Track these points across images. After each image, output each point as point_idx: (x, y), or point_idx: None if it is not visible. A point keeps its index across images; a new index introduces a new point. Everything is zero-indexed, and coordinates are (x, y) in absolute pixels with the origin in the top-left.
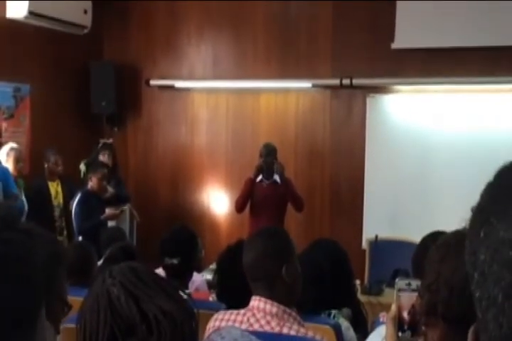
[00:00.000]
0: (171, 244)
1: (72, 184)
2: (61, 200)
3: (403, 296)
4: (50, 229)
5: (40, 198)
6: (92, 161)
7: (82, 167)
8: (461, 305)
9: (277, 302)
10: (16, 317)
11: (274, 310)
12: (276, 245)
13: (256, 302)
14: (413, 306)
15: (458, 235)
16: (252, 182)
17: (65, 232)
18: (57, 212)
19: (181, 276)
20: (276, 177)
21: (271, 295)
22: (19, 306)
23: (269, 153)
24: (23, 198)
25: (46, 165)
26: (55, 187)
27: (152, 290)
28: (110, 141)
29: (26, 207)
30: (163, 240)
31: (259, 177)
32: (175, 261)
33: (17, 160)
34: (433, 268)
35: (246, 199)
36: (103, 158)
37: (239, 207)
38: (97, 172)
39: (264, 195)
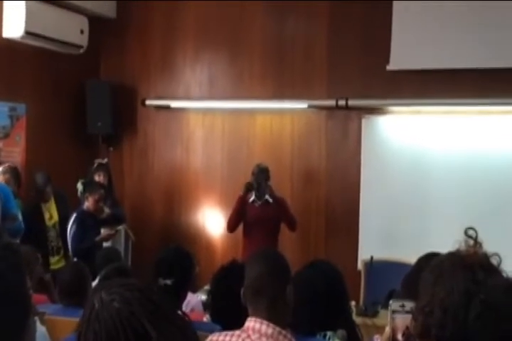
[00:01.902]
0: (165, 265)
1: (68, 202)
2: (56, 220)
3: (397, 318)
4: (43, 250)
5: (32, 219)
6: (89, 181)
7: (80, 186)
8: (455, 327)
9: (274, 322)
10: (3, 329)
11: (270, 331)
12: (281, 265)
13: (251, 323)
14: (407, 328)
15: (452, 257)
16: (242, 199)
17: (61, 252)
18: (52, 233)
19: (175, 297)
20: (268, 197)
21: (269, 313)
22: (5, 318)
23: (260, 171)
24: (21, 218)
25: (35, 190)
26: (48, 208)
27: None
28: (105, 160)
29: (23, 228)
30: (157, 260)
31: (252, 198)
32: (168, 282)
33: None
34: (427, 290)
35: (237, 218)
36: (98, 178)
37: (230, 226)
38: (94, 192)
39: (256, 215)
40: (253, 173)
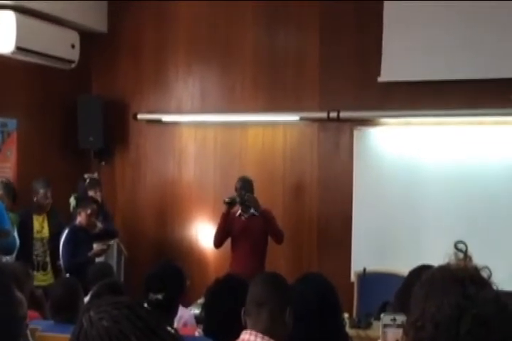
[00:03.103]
0: (156, 280)
1: (60, 217)
2: (46, 234)
3: (388, 332)
4: (29, 264)
5: (21, 232)
6: (82, 196)
7: (72, 201)
8: None
9: (270, 336)
10: None
11: None
12: (283, 286)
13: (247, 335)
14: None
15: (442, 271)
16: (225, 216)
17: (49, 267)
18: (40, 247)
19: (166, 311)
20: (254, 211)
21: (268, 326)
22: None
23: (243, 186)
24: (15, 234)
25: (35, 199)
26: (40, 222)
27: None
28: (95, 175)
29: (18, 243)
30: (147, 276)
31: (239, 211)
32: (159, 297)
33: None
34: (418, 304)
35: (222, 234)
36: (94, 194)
37: (216, 242)
38: (87, 207)
39: (242, 228)
40: (236, 188)
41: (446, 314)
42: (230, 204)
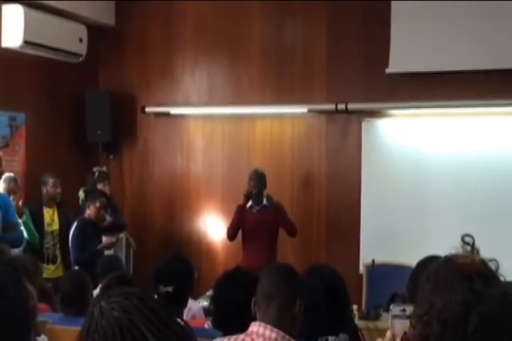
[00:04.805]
0: (165, 273)
1: (69, 211)
2: (57, 227)
3: (397, 323)
4: (38, 256)
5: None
6: (90, 189)
7: (81, 194)
8: (454, 339)
9: (278, 327)
10: None
11: (274, 335)
12: (293, 277)
13: (256, 327)
14: (405, 333)
15: (448, 264)
16: (241, 208)
17: (58, 260)
18: (50, 239)
19: (176, 304)
20: (266, 202)
21: (277, 318)
22: (5, 335)
23: (257, 177)
24: (23, 227)
25: (45, 190)
26: (50, 214)
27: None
28: (104, 168)
29: (26, 236)
30: (156, 269)
31: (249, 203)
32: (169, 289)
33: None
34: (425, 298)
35: (236, 227)
36: (103, 187)
37: (230, 235)
38: (96, 200)
39: (255, 220)
40: (251, 178)
41: (453, 311)
42: (249, 196)
